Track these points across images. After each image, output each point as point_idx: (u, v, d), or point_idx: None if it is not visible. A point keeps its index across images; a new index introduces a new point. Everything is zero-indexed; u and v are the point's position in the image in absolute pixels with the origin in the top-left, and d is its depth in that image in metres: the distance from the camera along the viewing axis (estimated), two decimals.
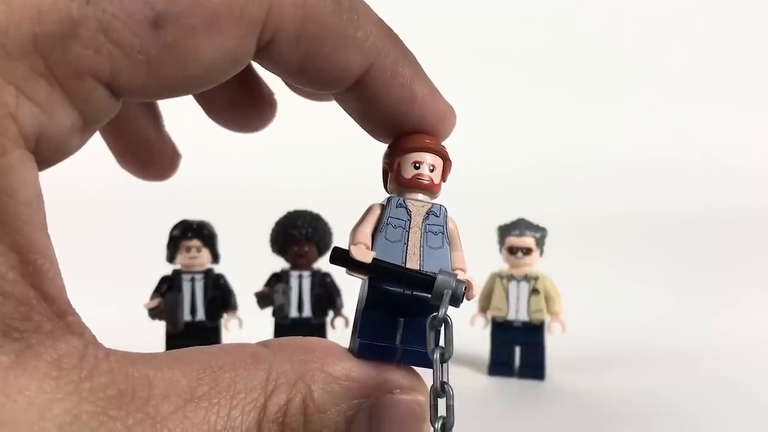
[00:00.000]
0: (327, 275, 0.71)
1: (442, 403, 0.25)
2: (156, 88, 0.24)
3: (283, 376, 0.25)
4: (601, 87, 1.72)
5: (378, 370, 0.27)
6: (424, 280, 0.27)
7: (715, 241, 1.34)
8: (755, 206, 1.50)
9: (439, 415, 0.25)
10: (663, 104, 1.72)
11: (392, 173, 0.30)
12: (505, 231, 0.73)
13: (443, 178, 0.30)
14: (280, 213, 0.72)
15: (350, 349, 0.28)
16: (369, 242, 0.28)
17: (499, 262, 0.74)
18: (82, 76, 0.22)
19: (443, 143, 0.30)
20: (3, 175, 0.21)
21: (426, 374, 0.28)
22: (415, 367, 0.28)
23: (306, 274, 0.71)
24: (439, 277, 0.27)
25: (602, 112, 1.71)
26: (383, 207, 0.29)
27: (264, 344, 0.27)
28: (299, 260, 0.71)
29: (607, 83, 1.72)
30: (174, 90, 0.25)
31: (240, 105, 0.39)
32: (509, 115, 1.67)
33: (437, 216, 0.29)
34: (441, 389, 0.25)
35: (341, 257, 0.27)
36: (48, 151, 0.23)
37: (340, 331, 0.71)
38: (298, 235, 0.70)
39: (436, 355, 0.26)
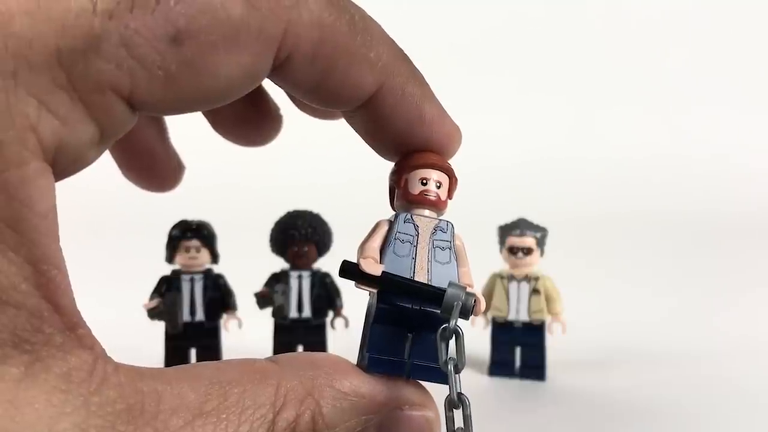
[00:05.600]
0: (327, 275, 0.71)
1: (458, 413, 0.26)
2: (173, 103, 0.24)
3: (292, 391, 0.25)
4: (602, 86, 1.72)
5: (387, 386, 0.27)
6: (433, 293, 0.27)
7: (717, 241, 1.34)
8: (756, 206, 1.50)
9: (457, 427, 0.25)
10: (665, 103, 1.73)
11: (399, 190, 0.30)
12: (505, 231, 0.73)
13: (449, 195, 0.30)
14: (280, 213, 0.71)
15: (359, 364, 0.28)
16: (378, 256, 0.28)
17: (499, 262, 0.74)
18: (102, 90, 0.22)
19: (449, 161, 0.31)
20: (22, 186, 0.21)
21: (433, 389, 0.28)
22: (423, 382, 0.28)
23: (306, 274, 0.71)
24: (449, 290, 0.27)
25: (603, 111, 1.71)
26: (391, 223, 0.29)
27: (272, 359, 0.27)
28: (299, 260, 0.70)
29: (609, 82, 1.72)
30: (191, 105, 0.25)
31: (246, 120, 0.39)
32: (511, 114, 1.67)
33: (444, 232, 0.29)
34: (457, 400, 0.26)
35: (351, 271, 0.27)
36: (65, 163, 0.23)
37: (339, 332, 0.71)
38: (298, 235, 0.70)
39: (450, 367, 0.26)
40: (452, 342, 0.27)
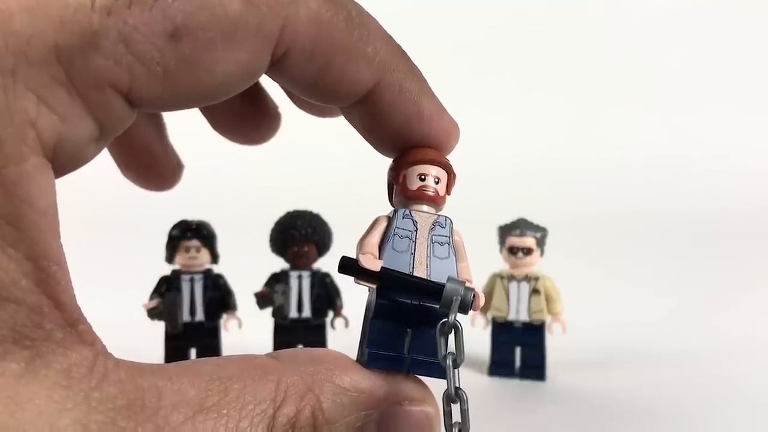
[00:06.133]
0: (327, 275, 0.71)
1: (455, 408, 0.26)
2: (172, 100, 0.24)
3: (292, 387, 0.25)
4: (602, 86, 1.72)
5: (386, 381, 0.27)
6: (432, 288, 0.27)
7: (717, 241, 1.34)
8: (756, 206, 1.50)
9: (454, 422, 0.25)
10: (665, 103, 1.72)
11: (398, 186, 0.30)
12: (505, 231, 0.73)
13: (448, 190, 0.30)
14: (280, 213, 0.71)
15: (358, 360, 0.28)
16: (377, 252, 0.28)
17: (499, 262, 0.74)
18: (101, 87, 0.22)
19: (447, 157, 0.31)
20: (21, 182, 0.21)
21: (433, 384, 0.28)
22: (423, 377, 0.28)
23: (305, 274, 0.71)
24: (448, 285, 0.27)
25: (603, 111, 1.71)
26: (390, 219, 0.29)
27: (272, 355, 0.27)
28: (299, 260, 0.70)
29: (609, 82, 1.72)
30: (189, 102, 0.25)
31: (245, 118, 0.39)
32: (511, 114, 1.67)
33: (443, 227, 0.29)
34: (455, 394, 0.26)
35: (350, 266, 0.27)
36: (65, 159, 0.23)
37: (339, 332, 0.71)
38: (298, 235, 0.70)
39: (449, 361, 0.26)
40: (451, 337, 0.27)
